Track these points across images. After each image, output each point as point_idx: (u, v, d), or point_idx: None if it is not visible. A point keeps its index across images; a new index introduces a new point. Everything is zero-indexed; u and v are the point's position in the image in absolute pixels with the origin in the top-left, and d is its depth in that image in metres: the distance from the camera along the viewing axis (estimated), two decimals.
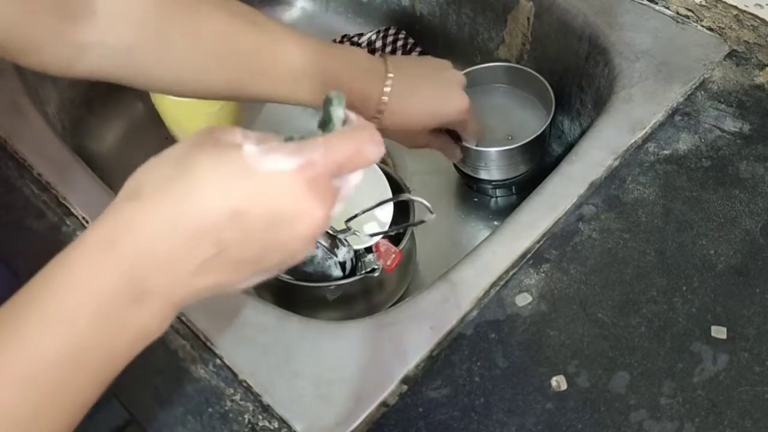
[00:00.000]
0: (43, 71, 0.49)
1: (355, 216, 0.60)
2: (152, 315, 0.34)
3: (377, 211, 0.66)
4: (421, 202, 0.55)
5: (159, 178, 0.33)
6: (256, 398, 0.49)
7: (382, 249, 0.61)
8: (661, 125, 0.64)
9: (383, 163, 0.71)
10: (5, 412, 0.31)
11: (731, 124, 0.64)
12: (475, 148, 0.71)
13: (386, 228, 0.65)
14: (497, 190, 0.80)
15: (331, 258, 0.61)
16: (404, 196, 0.62)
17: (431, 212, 0.55)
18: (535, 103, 0.77)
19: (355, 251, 0.63)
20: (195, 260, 0.33)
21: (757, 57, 0.69)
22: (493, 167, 0.73)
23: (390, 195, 0.67)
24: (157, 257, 0.32)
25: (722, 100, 0.66)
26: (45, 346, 0.32)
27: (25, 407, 0.32)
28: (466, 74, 0.71)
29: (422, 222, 0.58)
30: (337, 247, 0.61)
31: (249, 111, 0.88)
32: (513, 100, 0.78)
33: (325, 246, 0.60)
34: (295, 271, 0.63)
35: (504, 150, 0.71)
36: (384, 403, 0.49)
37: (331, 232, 0.60)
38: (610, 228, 0.57)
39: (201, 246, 0.32)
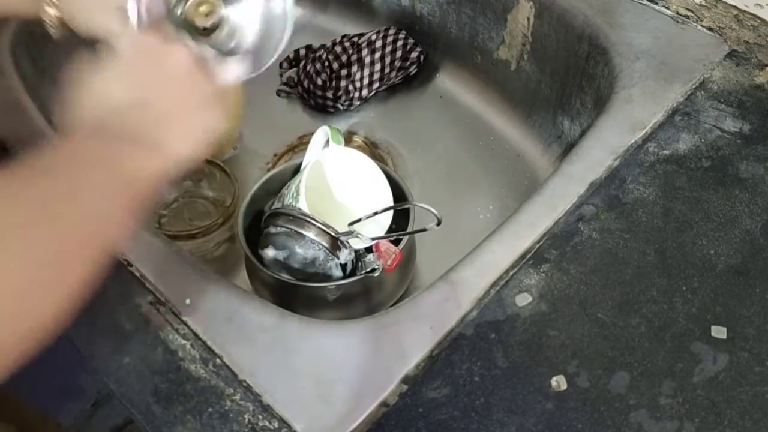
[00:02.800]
0: None
1: (359, 220, 0.60)
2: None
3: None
4: (430, 210, 0.55)
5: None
6: (256, 398, 0.49)
7: (382, 249, 0.62)
8: (661, 125, 0.64)
9: (383, 164, 0.71)
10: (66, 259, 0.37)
11: (731, 124, 0.64)
12: None
13: (386, 229, 0.65)
14: None
15: (333, 260, 0.61)
16: (411, 204, 0.62)
17: (439, 220, 0.55)
18: None
19: (356, 251, 0.63)
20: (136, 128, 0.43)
21: (757, 57, 0.69)
22: None
23: (390, 196, 0.67)
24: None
25: (722, 100, 0.66)
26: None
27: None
28: None
29: (424, 230, 0.58)
30: (339, 249, 0.61)
31: (248, 111, 0.88)
32: None
33: (327, 248, 0.60)
34: (297, 271, 0.63)
35: None
36: (384, 403, 0.49)
37: (333, 234, 0.60)
38: (610, 228, 0.57)
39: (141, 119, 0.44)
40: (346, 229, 0.61)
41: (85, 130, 0.44)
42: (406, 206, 0.65)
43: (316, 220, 0.60)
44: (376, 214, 0.60)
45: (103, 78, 0.46)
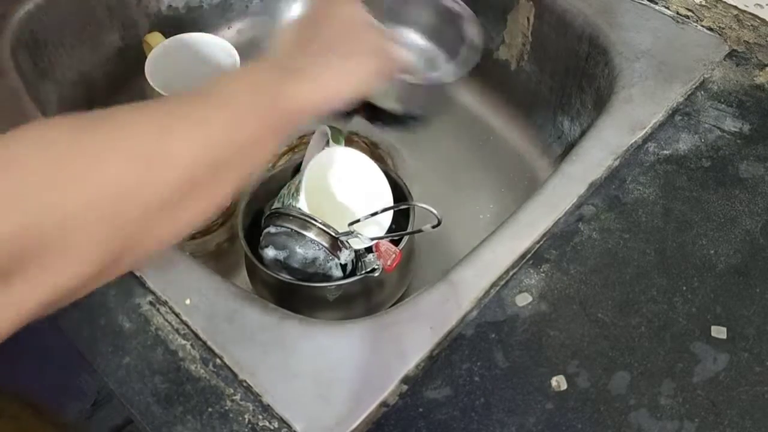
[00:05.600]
0: None
1: (358, 220, 0.60)
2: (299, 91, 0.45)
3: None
4: (430, 210, 0.55)
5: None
6: (256, 398, 0.49)
7: (382, 249, 0.61)
8: (661, 125, 0.64)
9: (383, 164, 0.70)
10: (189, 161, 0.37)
11: (731, 124, 0.64)
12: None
13: (386, 229, 0.65)
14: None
15: (333, 260, 0.61)
16: (412, 204, 0.62)
17: (439, 220, 0.55)
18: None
19: (356, 251, 0.63)
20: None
21: (757, 57, 0.69)
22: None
23: (390, 196, 0.67)
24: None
25: (722, 100, 0.66)
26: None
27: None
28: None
29: (420, 231, 0.58)
30: (339, 250, 0.61)
31: None
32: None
33: (327, 248, 0.60)
34: (297, 271, 0.63)
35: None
36: (384, 403, 0.49)
37: (333, 234, 0.60)
38: (610, 228, 0.57)
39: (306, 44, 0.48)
40: (346, 229, 0.61)
41: (259, 63, 0.47)
42: (406, 206, 0.65)
43: (316, 220, 0.60)
44: (375, 214, 0.60)
45: (291, 26, 0.50)
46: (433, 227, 0.56)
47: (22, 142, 0.33)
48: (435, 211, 0.55)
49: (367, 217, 0.60)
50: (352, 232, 0.60)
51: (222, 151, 0.39)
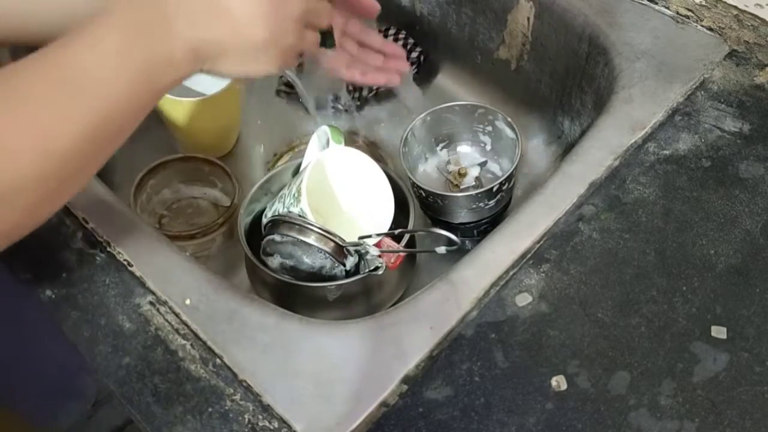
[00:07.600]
0: None
1: (370, 236, 0.60)
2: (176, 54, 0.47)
3: (378, 212, 0.66)
4: (449, 236, 0.55)
5: None
6: (256, 398, 0.49)
7: (385, 247, 0.61)
8: (661, 125, 0.64)
9: (383, 164, 0.71)
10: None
11: (731, 124, 0.64)
12: (445, 193, 0.71)
13: (387, 229, 0.65)
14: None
15: (338, 267, 0.61)
16: (429, 230, 0.64)
17: (457, 243, 0.55)
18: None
19: (358, 250, 0.63)
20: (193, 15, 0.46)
21: (757, 57, 0.69)
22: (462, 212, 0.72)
23: (391, 196, 0.67)
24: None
25: (722, 100, 0.66)
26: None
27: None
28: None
29: (433, 251, 0.58)
30: (346, 257, 0.61)
31: (248, 111, 0.88)
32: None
33: (334, 257, 0.60)
34: (301, 275, 0.62)
35: (471, 195, 0.69)
36: (384, 403, 0.49)
37: (339, 242, 0.60)
38: (610, 228, 0.57)
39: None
40: (346, 228, 0.61)
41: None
42: (425, 232, 0.65)
43: (324, 231, 0.59)
44: (391, 235, 0.61)
45: None
46: (448, 250, 0.56)
47: None
48: (454, 237, 0.55)
49: (379, 235, 0.60)
50: (361, 244, 0.60)
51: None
